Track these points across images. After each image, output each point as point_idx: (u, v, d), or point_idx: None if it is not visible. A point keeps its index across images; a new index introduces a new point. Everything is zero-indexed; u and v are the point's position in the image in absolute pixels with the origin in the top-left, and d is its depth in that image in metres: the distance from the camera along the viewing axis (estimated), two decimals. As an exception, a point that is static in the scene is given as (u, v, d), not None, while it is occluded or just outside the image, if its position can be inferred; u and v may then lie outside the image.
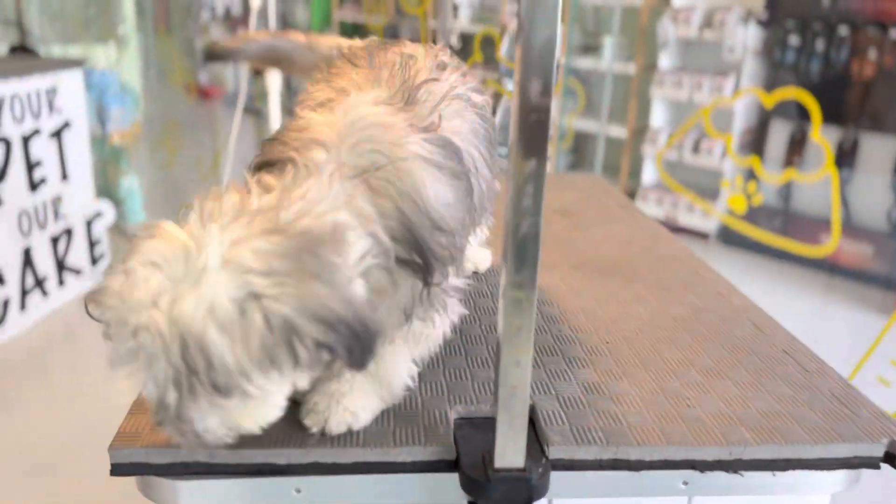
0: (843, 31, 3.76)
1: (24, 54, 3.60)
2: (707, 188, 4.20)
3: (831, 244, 2.24)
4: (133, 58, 5.14)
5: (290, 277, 0.65)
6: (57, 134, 3.21)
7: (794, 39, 3.92)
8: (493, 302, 1.19)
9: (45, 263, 3.18)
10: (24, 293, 3.08)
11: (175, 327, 0.63)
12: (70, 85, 3.29)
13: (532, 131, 0.68)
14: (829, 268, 3.71)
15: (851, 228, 3.72)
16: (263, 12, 2.30)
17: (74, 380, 2.80)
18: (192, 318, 0.63)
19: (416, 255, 0.77)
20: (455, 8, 4.84)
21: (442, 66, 0.94)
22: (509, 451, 0.78)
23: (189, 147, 4.31)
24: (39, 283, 3.17)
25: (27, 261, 3.08)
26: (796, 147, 3.98)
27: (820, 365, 1.03)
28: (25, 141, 3.03)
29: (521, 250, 0.71)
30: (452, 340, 1.06)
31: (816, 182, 3.86)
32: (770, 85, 4.04)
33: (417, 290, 0.80)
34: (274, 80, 2.36)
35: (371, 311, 0.69)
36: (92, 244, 3.48)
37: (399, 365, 0.87)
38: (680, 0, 4.25)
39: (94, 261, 3.50)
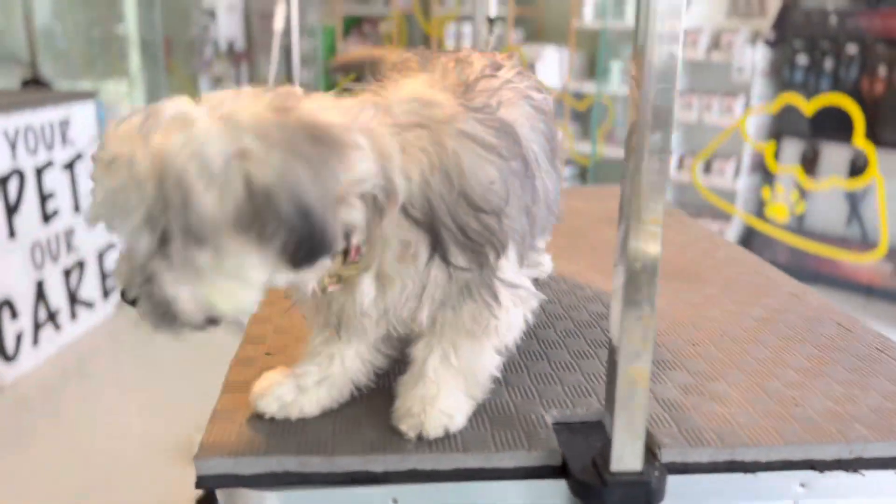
0: (852, 49, 3.78)
1: (36, 87, 3.58)
2: (719, 209, 4.18)
3: (880, 250, 2.21)
4: (138, 94, 5.14)
5: (282, 150, 0.63)
6: (70, 166, 3.18)
7: (802, 59, 3.93)
8: (562, 308, 1.14)
9: (57, 297, 3.12)
10: (37, 327, 3.01)
11: (156, 160, 0.61)
12: (83, 117, 3.26)
13: (657, 102, 0.64)
14: (845, 285, 3.67)
15: (868, 245, 3.69)
16: (286, 46, 2.27)
17: (88, 415, 2.72)
18: (175, 154, 0.61)
19: (430, 232, 0.72)
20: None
21: (497, 66, 0.92)
22: (627, 454, 0.73)
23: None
24: (52, 316, 3.10)
25: (40, 294, 3.02)
26: (808, 165, 3.97)
27: (918, 362, 0.98)
28: (38, 173, 2.99)
29: (644, 234, 0.67)
30: (530, 346, 1.01)
31: (830, 200, 3.85)
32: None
33: (439, 273, 0.74)
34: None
35: (335, 226, 0.66)
36: (104, 277, 3.42)
37: (481, 356, 0.82)
38: (686, 23, 4.27)
39: (105, 293, 3.44)
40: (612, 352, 0.72)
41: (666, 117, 0.64)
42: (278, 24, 2.29)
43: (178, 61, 5.87)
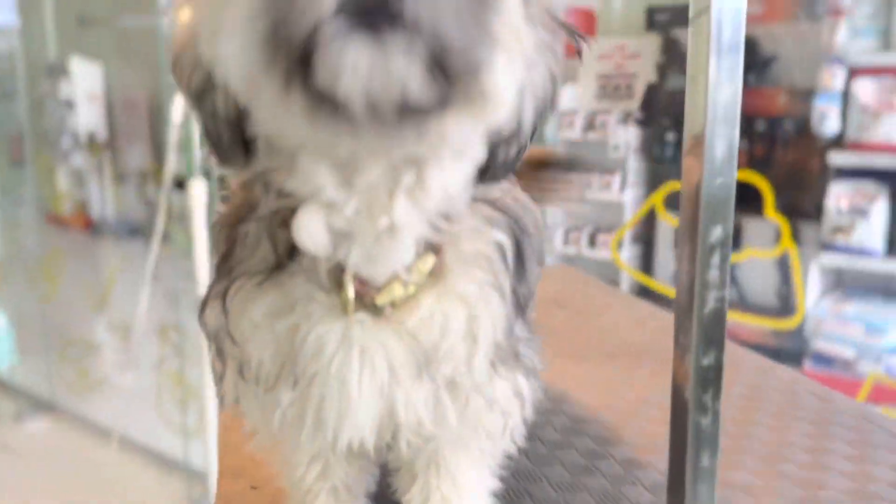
0: (714, 126, 4.10)
1: None
2: (605, 278, 4.33)
3: (797, 317, 2.34)
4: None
5: None
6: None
7: (670, 136, 4.21)
8: (549, 401, 1.09)
9: None
10: None
11: None
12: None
13: (718, 196, 0.62)
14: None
15: (746, 308, 3.92)
16: (186, 131, 2.17)
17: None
18: None
19: (513, 228, 0.60)
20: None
21: None
22: (697, 566, 0.68)
23: (67, 282, 3.94)
24: None
25: None
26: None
27: (904, 429, 1.01)
28: None
29: (709, 329, 0.64)
30: (535, 448, 0.95)
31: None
32: (652, 180, 4.30)
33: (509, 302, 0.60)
34: (199, 194, 2.19)
35: None
36: (-37, 397, 3.02)
37: (485, 487, 0.71)
38: (563, 105, 4.50)
39: (-35, 416, 3.04)
40: (676, 460, 0.67)
41: (726, 210, 0.63)
42: (176, 115, 2.18)
43: (36, 153, 5.50)
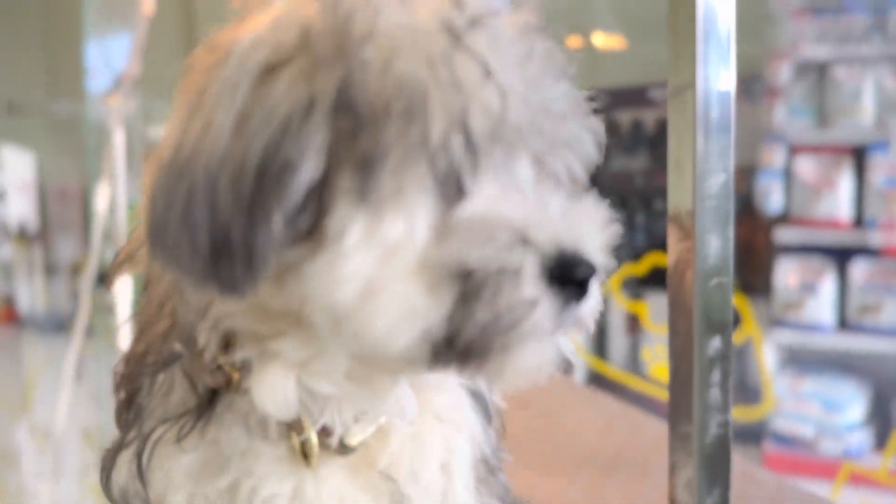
0: (659, 204, 4.11)
1: None
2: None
3: (766, 404, 2.26)
4: None
5: None
6: None
7: (616, 215, 4.22)
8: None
9: None
10: None
11: None
12: None
13: (714, 299, 0.52)
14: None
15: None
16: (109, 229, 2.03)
17: None
18: None
19: None
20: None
21: None
22: None
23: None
24: None
25: None
26: (634, 322, 4.13)
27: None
28: None
29: (712, 462, 0.53)
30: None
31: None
32: (600, 258, 4.27)
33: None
34: (124, 291, 2.03)
35: None
36: None
37: None
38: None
39: None
40: None
41: (724, 316, 0.52)
42: (101, 204, 2.04)
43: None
